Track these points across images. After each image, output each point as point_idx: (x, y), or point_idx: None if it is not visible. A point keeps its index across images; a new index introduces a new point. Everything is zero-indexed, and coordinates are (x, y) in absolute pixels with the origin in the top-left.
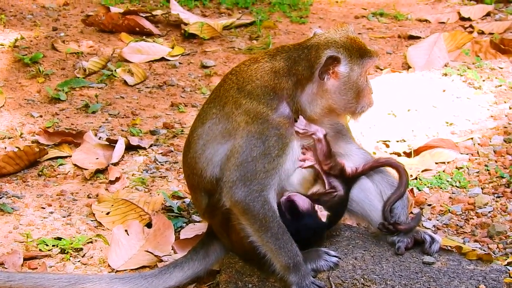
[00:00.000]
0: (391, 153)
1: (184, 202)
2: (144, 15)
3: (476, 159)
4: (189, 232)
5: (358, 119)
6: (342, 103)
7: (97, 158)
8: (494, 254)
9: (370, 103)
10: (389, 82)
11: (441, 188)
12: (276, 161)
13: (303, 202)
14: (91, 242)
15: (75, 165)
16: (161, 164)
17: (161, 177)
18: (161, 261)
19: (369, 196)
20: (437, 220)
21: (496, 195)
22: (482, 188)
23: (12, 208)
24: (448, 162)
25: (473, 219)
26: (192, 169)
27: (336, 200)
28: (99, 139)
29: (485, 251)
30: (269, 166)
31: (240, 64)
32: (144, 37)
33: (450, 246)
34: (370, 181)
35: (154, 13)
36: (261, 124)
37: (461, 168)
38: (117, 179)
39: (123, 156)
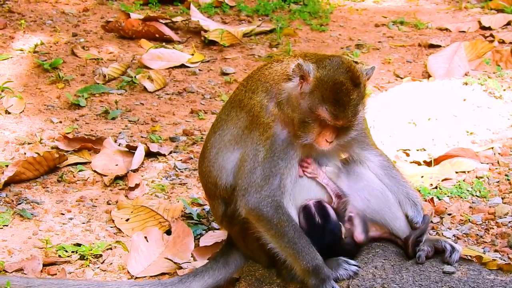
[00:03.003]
0: (411, 162)
1: (203, 209)
2: (164, 22)
3: (496, 168)
4: (208, 239)
5: None
6: None
7: (117, 165)
8: None
9: None
10: (409, 91)
11: (461, 197)
12: (281, 163)
13: (332, 211)
14: (111, 248)
15: (94, 171)
16: (181, 171)
17: (180, 184)
18: (181, 268)
19: (388, 205)
20: (457, 230)
21: None
22: (502, 198)
23: (32, 214)
24: (468, 172)
25: (493, 228)
26: (208, 177)
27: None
28: (119, 145)
29: (505, 261)
30: (276, 169)
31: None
32: (164, 43)
33: (470, 256)
34: (389, 191)
35: (174, 19)
36: (258, 128)
37: (482, 177)
38: (137, 185)
39: (142, 163)
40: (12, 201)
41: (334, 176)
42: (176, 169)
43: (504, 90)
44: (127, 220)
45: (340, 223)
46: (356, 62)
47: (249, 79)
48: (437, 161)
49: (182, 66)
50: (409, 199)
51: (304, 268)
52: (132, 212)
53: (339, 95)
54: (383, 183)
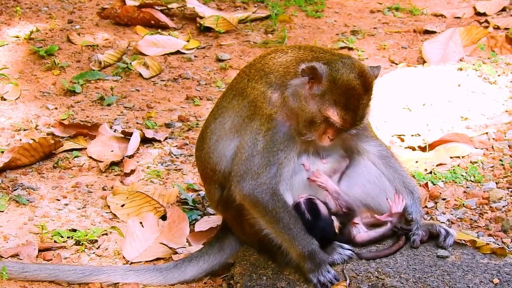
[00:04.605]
0: (406, 147)
1: (199, 194)
2: (159, 8)
3: (490, 153)
4: (203, 224)
5: None
6: None
7: (112, 151)
8: (508, 248)
9: None
10: (404, 77)
11: (455, 182)
12: (280, 154)
13: (323, 208)
14: (106, 234)
15: (90, 157)
16: (176, 157)
17: (176, 169)
18: (176, 253)
19: (385, 191)
20: (452, 214)
21: (510, 189)
22: (496, 183)
23: (27, 200)
24: (462, 157)
25: (487, 213)
26: (206, 163)
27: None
28: (114, 131)
29: (499, 245)
30: (274, 159)
31: (253, 59)
32: (159, 30)
33: (464, 240)
34: (386, 178)
35: (169, 6)
36: (260, 119)
37: (476, 162)
38: (132, 171)
39: (138, 149)
40: (8, 187)
41: (334, 169)
42: (172, 155)
43: (499, 75)
44: (122, 205)
45: (333, 217)
46: (351, 49)
47: (252, 67)
48: (432, 146)
49: (178, 52)
50: (405, 187)
51: (299, 253)
52: (127, 197)
53: (350, 100)
54: (381, 171)
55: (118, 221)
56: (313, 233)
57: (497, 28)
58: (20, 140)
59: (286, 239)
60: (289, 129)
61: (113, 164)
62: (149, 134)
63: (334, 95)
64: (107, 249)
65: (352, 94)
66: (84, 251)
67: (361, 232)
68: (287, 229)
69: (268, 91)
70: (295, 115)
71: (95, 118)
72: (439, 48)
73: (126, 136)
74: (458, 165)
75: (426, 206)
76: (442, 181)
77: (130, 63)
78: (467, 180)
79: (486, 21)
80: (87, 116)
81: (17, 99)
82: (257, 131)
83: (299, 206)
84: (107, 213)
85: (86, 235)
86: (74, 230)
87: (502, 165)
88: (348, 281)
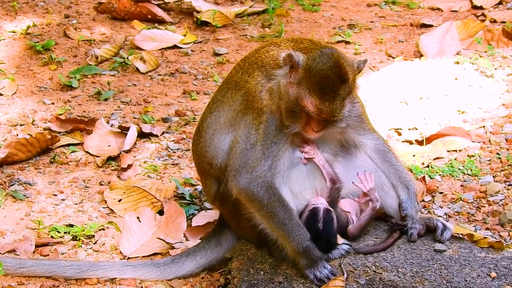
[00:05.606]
0: (403, 141)
1: (196, 189)
2: (156, 3)
3: (488, 147)
4: (201, 219)
5: None
6: None
7: (109, 146)
8: (506, 241)
9: None
10: (401, 70)
11: (452, 176)
12: (274, 146)
13: (335, 223)
14: (103, 229)
15: (87, 152)
16: (173, 152)
17: (173, 164)
18: (173, 248)
19: (381, 183)
20: (449, 208)
21: (507, 183)
22: (493, 176)
23: (24, 195)
24: (460, 150)
25: (484, 207)
26: (203, 157)
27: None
28: (111, 126)
29: (496, 238)
30: (268, 151)
31: (249, 52)
32: (156, 24)
33: (461, 234)
34: (382, 173)
35: (166, 0)
36: (252, 113)
37: (473, 156)
38: (129, 166)
39: (135, 144)
40: (5, 182)
41: (330, 160)
42: (169, 149)
43: (496, 69)
44: (119, 200)
45: (338, 235)
46: (348, 43)
47: (246, 61)
48: (429, 140)
49: (175, 47)
50: (401, 182)
51: (294, 249)
52: (124, 192)
53: (325, 89)
54: (377, 166)
55: (115, 216)
56: (317, 239)
57: (493, 21)
58: (17, 135)
59: (281, 234)
60: (277, 121)
61: (110, 159)
62: (146, 128)
63: (308, 83)
64: (104, 244)
65: (326, 83)
66: (81, 246)
67: (350, 224)
68: (282, 225)
69: (259, 85)
70: (278, 106)
71: (92, 113)
72: (436, 41)
73: (123, 130)
74: (455, 159)
75: (423, 200)
76: (439, 174)
77: (127, 58)
78: (464, 173)
79: (483, 14)
80: (84, 111)
81: (13, 94)
82: (250, 125)
83: (316, 212)
84: (104, 208)
85: (83, 230)
86: (71, 225)
87: (499, 158)
88: (345, 276)
